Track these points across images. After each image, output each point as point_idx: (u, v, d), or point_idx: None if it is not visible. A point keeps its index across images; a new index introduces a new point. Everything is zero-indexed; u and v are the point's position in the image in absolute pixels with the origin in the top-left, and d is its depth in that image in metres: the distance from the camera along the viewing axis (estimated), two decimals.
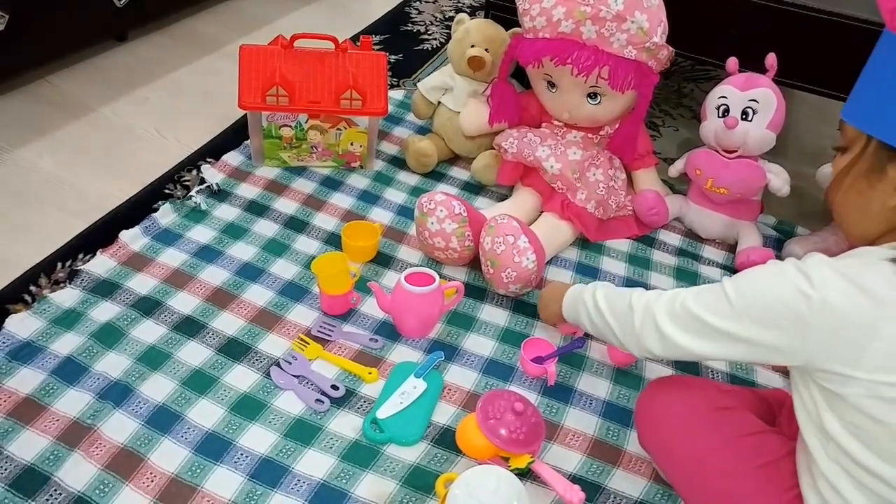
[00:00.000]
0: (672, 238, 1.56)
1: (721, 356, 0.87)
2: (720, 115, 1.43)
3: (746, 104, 1.40)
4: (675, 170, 1.56)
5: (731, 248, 1.54)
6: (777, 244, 1.54)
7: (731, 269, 1.48)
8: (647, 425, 1.01)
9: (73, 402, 1.07)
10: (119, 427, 1.04)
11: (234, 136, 1.65)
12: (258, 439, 1.06)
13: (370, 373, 1.16)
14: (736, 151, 1.43)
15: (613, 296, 1.01)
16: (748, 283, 0.83)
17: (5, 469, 0.97)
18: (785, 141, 1.45)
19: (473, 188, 1.61)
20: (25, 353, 1.12)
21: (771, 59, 1.40)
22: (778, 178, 1.43)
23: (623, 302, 0.96)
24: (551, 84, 1.46)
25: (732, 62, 1.44)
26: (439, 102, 1.63)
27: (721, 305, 0.84)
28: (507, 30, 1.58)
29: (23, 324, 1.17)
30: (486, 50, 1.53)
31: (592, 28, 1.34)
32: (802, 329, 0.77)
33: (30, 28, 1.59)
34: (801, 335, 0.77)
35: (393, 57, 2.00)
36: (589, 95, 1.43)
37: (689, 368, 1.25)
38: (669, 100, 2.01)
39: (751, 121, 1.40)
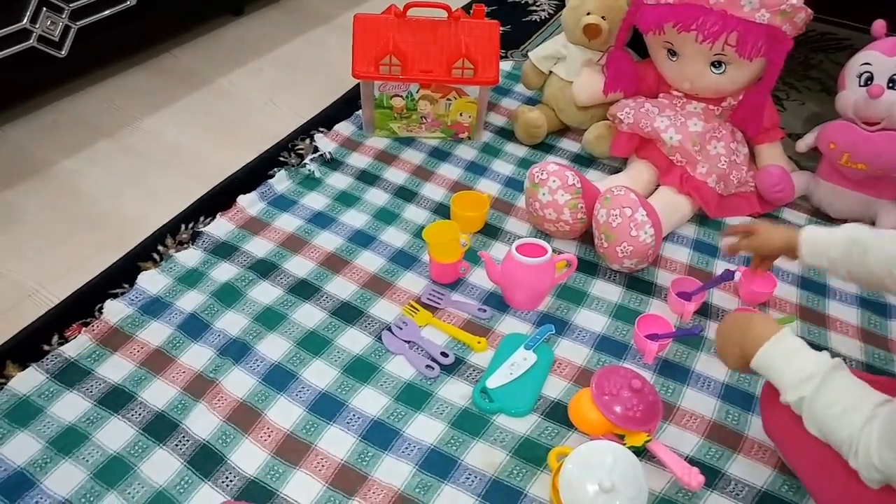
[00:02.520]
0: (798, 217, 1.46)
1: None
2: (862, 83, 1.32)
3: (895, 71, 1.28)
4: (804, 144, 1.46)
5: None
6: None
7: None
8: (774, 412, 0.94)
9: (197, 356, 1.12)
10: (238, 382, 1.08)
11: (344, 106, 1.67)
12: (370, 401, 1.07)
13: (479, 342, 1.15)
14: (879, 123, 1.32)
15: (827, 418, 0.79)
16: None
17: (139, 414, 1.03)
18: None
19: (584, 160, 1.56)
20: (155, 307, 1.19)
21: None
22: None
23: (841, 432, 0.78)
24: (672, 52, 1.39)
25: (879, 25, 1.32)
26: (550, 72, 1.59)
27: None
28: None
29: (152, 280, 1.23)
30: (603, 17, 1.47)
31: None
32: None
33: (158, 3, 1.67)
34: None
35: (500, 28, 1.96)
36: (713, 64, 1.35)
37: None
38: (795, 72, 1.88)
39: None
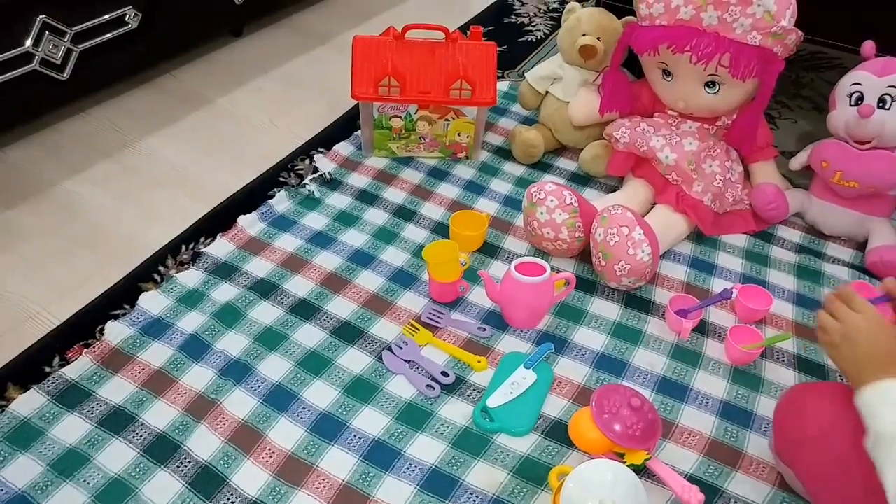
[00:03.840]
0: (792, 234, 1.48)
1: None
2: (853, 103, 1.34)
3: (884, 91, 1.30)
4: (797, 162, 1.48)
5: (860, 246, 1.44)
6: None
7: (860, 269, 1.39)
8: (790, 431, 0.93)
9: (198, 377, 1.12)
10: (240, 403, 1.09)
11: (343, 126, 1.69)
12: (371, 422, 1.08)
13: (479, 361, 1.16)
14: (869, 142, 1.34)
15: None
16: None
17: (141, 435, 1.04)
18: None
19: (581, 179, 1.58)
20: (156, 328, 1.19)
21: None
22: None
23: None
24: (667, 73, 1.41)
25: (869, 46, 1.34)
26: (547, 92, 1.61)
27: None
28: (618, 18, 1.54)
29: (153, 301, 1.24)
30: (598, 39, 1.50)
31: (714, 13, 1.29)
32: None
33: (159, 25, 1.69)
34: None
35: (497, 49, 1.99)
36: (707, 84, 1.37)
37: (815, 373, 1.19)
38: (786, 90, 1.91)
39: (889, 109, 1.30)
